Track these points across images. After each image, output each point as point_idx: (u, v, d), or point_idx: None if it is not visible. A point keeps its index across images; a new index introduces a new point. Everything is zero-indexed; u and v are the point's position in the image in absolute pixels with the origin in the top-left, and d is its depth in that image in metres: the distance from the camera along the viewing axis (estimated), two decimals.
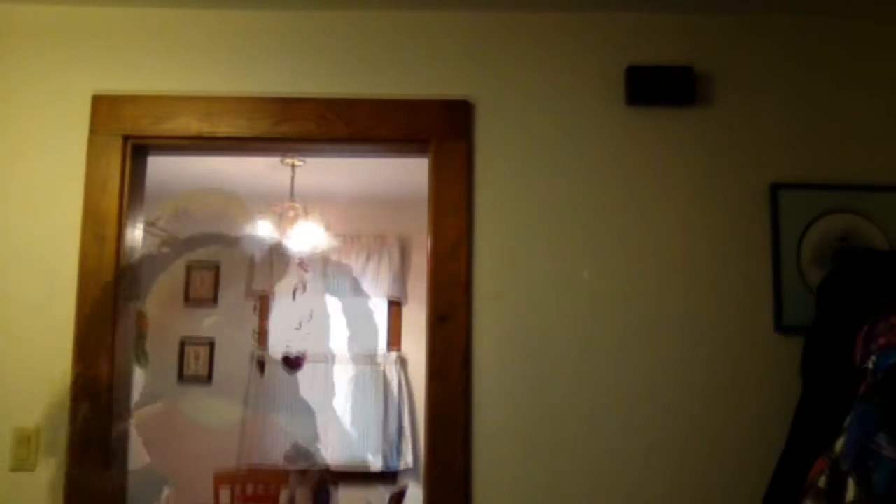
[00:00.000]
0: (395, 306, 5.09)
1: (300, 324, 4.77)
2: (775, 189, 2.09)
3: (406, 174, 3.97)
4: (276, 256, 4.51)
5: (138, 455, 3.88)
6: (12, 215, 2.08)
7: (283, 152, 3.28)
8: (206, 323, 4.97)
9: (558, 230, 2.10)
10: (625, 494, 2.00)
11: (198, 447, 4.56)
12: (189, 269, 5.05)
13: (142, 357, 4.62)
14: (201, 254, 4.98)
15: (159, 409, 4.14)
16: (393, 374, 4.98)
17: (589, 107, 2.14)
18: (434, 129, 2.12)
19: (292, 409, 4.88)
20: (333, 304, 5.03)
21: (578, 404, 2.03)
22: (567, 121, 2.14)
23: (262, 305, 5.02)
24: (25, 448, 1.98)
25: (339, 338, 5.04)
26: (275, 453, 4.59)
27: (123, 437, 2.13)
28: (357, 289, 5.06)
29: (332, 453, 4.76)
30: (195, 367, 4.97)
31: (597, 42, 2.17)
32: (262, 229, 4.11)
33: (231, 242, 4.58)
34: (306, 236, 4.12)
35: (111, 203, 2.07)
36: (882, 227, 2.08)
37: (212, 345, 4.99)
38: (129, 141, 2.11)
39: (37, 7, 2.15)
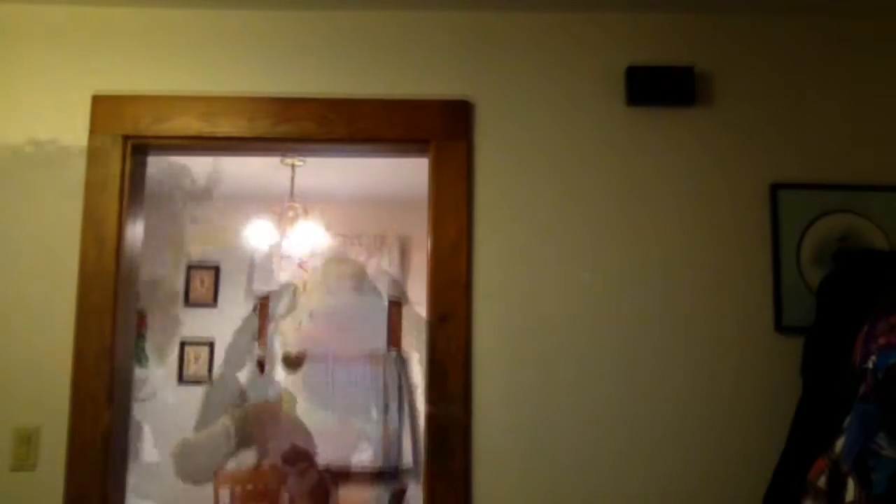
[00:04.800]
0: (395, 306, 5.09)
1: (300, 324, 4.76)
2: (775, 189, 2.09)
3: (406, 174, 3.97)
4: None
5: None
6: (12, 215, 2.08)
7: (283, 152, 3.27)
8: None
9: (558, 230, 2.10)
10: (625, 494, 2.00)
11: None
12: (189, 269, 5.05)
13: (142, 357, 4.63)
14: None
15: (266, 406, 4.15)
16: (393, 374, 4.98)
17: (589, 107, 2.14)
18: (434, 129, 2.12)
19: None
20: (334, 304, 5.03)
21: (578, 404, 2.03)
22: (567, 121, 2.14)
23: (262, 305, 5.02)
24: (25, 448, 1.98)
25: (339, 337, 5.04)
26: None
27: (123, 437, 2.13)
28: (358, 288, 5.06)
29: (331, 453, 4.76)
30: (195, 367, 4.97)
31: (597, 42, 2.17)
32: (262, 230, 4.11)
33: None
34: (306, 236, 4.12)
35: (111, 203, 2.07)
36: (882, 227, 2.08)
37: (212, 345, 5.00)
38: (129, 141, 2.11)
39: (37, 7, 2.15)
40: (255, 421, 3.91)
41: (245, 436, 3.81)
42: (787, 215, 2.08)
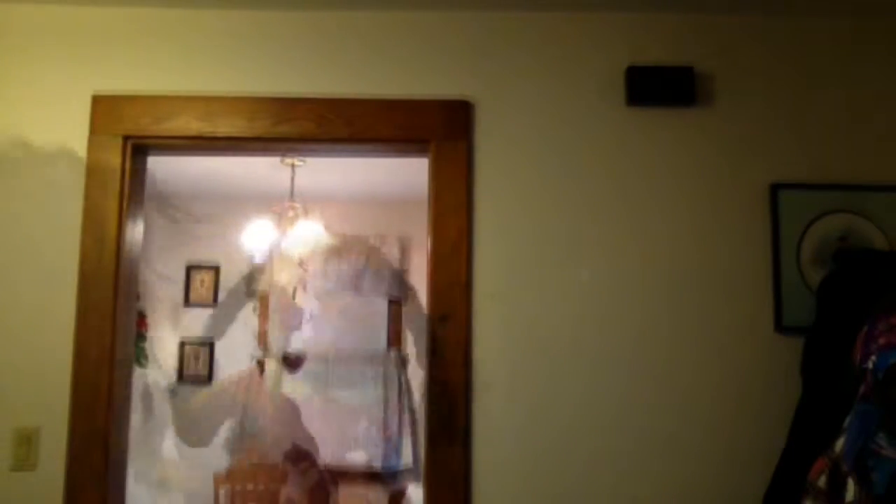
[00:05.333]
0: (395, 306, 5.10)
1: (300, 324, 4.76)
2: (775, 189, 2.09)
3: (406, 174, 3.96)
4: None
5: None
6: (12, 216, 2.08)
7: (283, 152, 3.27)
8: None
9: (558, 230, 2.10)
10: (624, 494, 2.00)
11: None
12: (189, 269, 5.05)
13: (142, 357, 4.63)
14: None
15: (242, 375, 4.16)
16: (393, 374, 4.98)
17: (589, 107, 2.14)
18: (434, 129, 2.12)
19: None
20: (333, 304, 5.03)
21: (578, 404, 2.03)
22: (567, 121, 2.14)
23: (262, 306, 5.01)
24: (25, 448, 1.98)
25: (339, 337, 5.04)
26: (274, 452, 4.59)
27: (123, 437, 2.13)
28: (358, 287, 5.06)
29: (331, 453, 4.76)
30: (195, 367, 4.97)
31: (597, 42, 2.17)
32: (262, 230, 4.11)
33: None
34: (306, 236, 4.12)
35: (111, 203, 2.07)
36: (882, 227, 2.08)
37: (211, 345, 4.99)
38: (129, 141, 2.11)
39: (37, 7, 2.15)
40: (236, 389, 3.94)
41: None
42: (787, 215, 2.08)
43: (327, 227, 4.21)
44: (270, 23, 2.17)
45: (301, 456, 3.85)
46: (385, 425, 4.90)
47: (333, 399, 4.96)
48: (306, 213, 4.11)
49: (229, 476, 3.97)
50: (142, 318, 4.71)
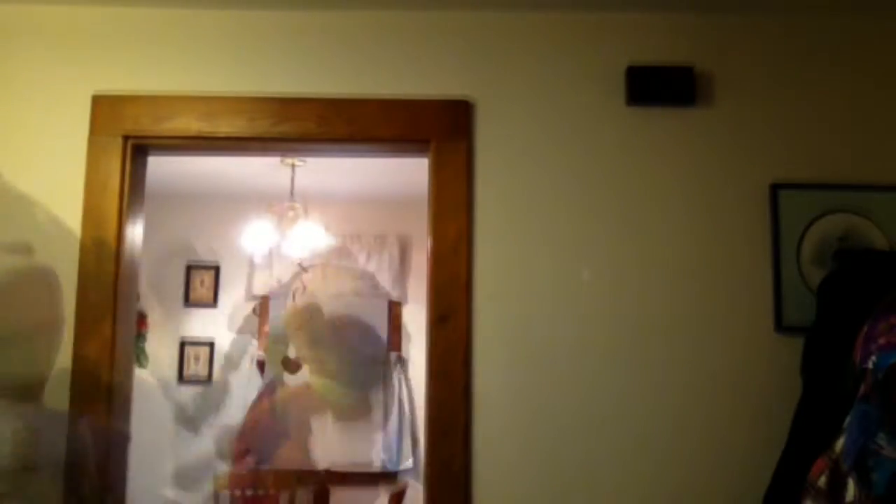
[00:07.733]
0: (395, 306, 5.09)
1: (300, 324, 4.76)
2: (775, 189, 2.09)
3: (406, 174, 3.97)
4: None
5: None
6: (12, 216, 2.07)
7: (283, 152, 3.28)
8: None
9: (558, 230, 2.10)
10: (624, 493, 2.00)
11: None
12: (189, 269, 5.05)
13: (142, 357, 4.63)
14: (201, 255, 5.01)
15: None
16: (393, 374, 4.98)
17: (589, 107, 2.14)
18: (434, 129, 2.12)
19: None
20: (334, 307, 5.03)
21: (578, 404, 2.03)
22: (567, 121, 2.14)
23: (262, 307, 5.02)
24: (25, 448, 1.97)
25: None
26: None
27: (124, 437, 2.13)
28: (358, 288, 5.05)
29: (332, 454, 4.76)
30: (195, 367, 4.97)
31: (597, 42, 2.17)
32: (262, 230, 4.11)
33: None
34: (306, 236, 4.12)
35: (111, 203, 2.07)
36: (882, 227, 2.08)
37: (212, 345, 4.99)
38: (129, 141, 2.11)
39: (37, 7, 2.16)
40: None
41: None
42: (787, 215, 2.08)
43: (327, 227, 4.21)
44: (270, 23, 2.17)
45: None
46: (385, 426, 4.90)
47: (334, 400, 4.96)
48: (306, 213, 4.11)
49: (231, 479, 3.96)
50: (142, 318, 4.71)
